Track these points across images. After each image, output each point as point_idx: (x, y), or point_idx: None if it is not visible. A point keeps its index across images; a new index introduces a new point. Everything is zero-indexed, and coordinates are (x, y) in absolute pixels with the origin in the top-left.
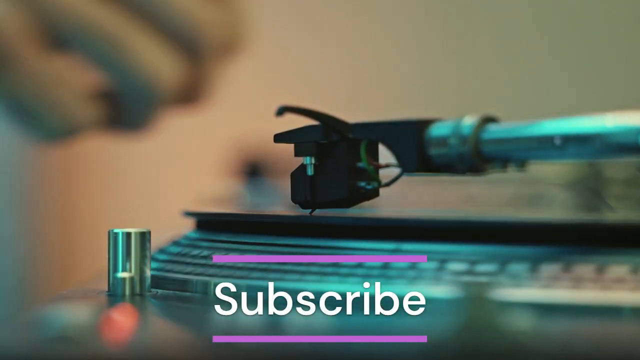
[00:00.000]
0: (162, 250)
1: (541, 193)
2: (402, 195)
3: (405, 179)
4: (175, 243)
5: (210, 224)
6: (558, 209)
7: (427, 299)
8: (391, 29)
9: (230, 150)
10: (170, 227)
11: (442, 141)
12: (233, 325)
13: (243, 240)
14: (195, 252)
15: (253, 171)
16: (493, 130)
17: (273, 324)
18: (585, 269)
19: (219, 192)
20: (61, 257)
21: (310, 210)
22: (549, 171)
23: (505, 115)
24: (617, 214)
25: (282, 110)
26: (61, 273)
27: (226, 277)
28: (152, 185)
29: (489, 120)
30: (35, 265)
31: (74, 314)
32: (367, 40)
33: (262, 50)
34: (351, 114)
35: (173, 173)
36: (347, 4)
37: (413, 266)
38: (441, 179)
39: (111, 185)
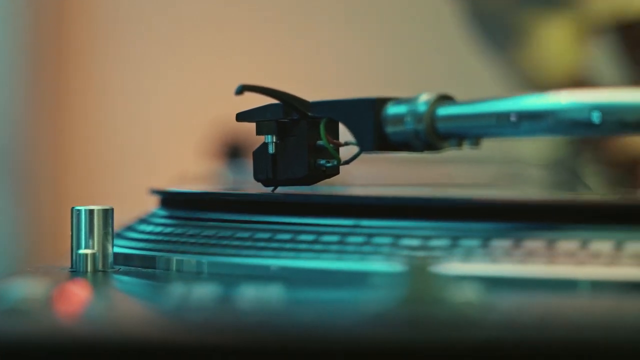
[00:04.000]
0: (129, 228)
1: (519, 172)
2: (377, 174)
3: (385, 158)
4: (143, 220)
5: (176, 202)
6: (531, 187)
7: (378, 273)
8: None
9: (212, 132)
10: (144, 205)
11: (399, 119)
12: (188, 300)
13: (207, 217)
14: (161, 229)
15: (234, 152)
16: (448, 108)
17: (227, 299)
18: (534, 244)
19: (201, 173)
20: (51, 240)
21: (272, 188)
22: (529, 151)
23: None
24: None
25: (241, 89)
26: (50, 251)
27: (188, 253)
28: (135, 166)
29: (444, 98)
30: (23, 245)
31: (29, 288)
32: (344, 28)
33: (244, 34)
34: (328, 97)
35: (155, 154)
36: None
37: (368, 242)
38: (423, 158)
39: (96, 165)
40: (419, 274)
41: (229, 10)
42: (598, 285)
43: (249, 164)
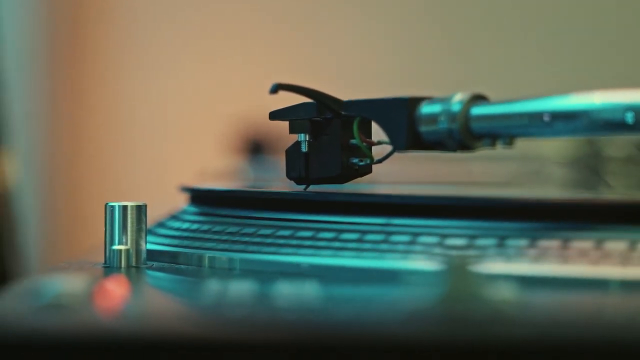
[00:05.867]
0: (160, 224)
1: (540, 170)
2: (402, 171)
3: (408, 156)
4: (173, 217)
5: (207, 199)
6: (554, 186)
7: (412, 272)
8: (387, 12)
9: (233, 128)
10: (171, 202)
11: (433, 118)
12: (224, 296)
13: (238, 214)
14: (192, 226)
15: (255, 149)
16: (482, 107)
17: (262, 296)
18: (552, 244)
19: (222, 169)
20: (68, 232)
21: (304, 186)
22: (550, 149)
23: (495, 96)
24: (612, 191)
25: (276, 88)
26: (68, 246)
27: (221, 251)
28: (157, 162)
29: (478, 98)
30: (42, 239)
31: (68, 283)
32: (364, 23)
33: (266, 30)
34: (349, 94)
35: (177, 150)
36: None
37: (412, 240)
38: (446, 156)
39: (117, 161)
40: (455, 272)
41: (251, 6)
42: (635, 286)
43: (269, 160)
